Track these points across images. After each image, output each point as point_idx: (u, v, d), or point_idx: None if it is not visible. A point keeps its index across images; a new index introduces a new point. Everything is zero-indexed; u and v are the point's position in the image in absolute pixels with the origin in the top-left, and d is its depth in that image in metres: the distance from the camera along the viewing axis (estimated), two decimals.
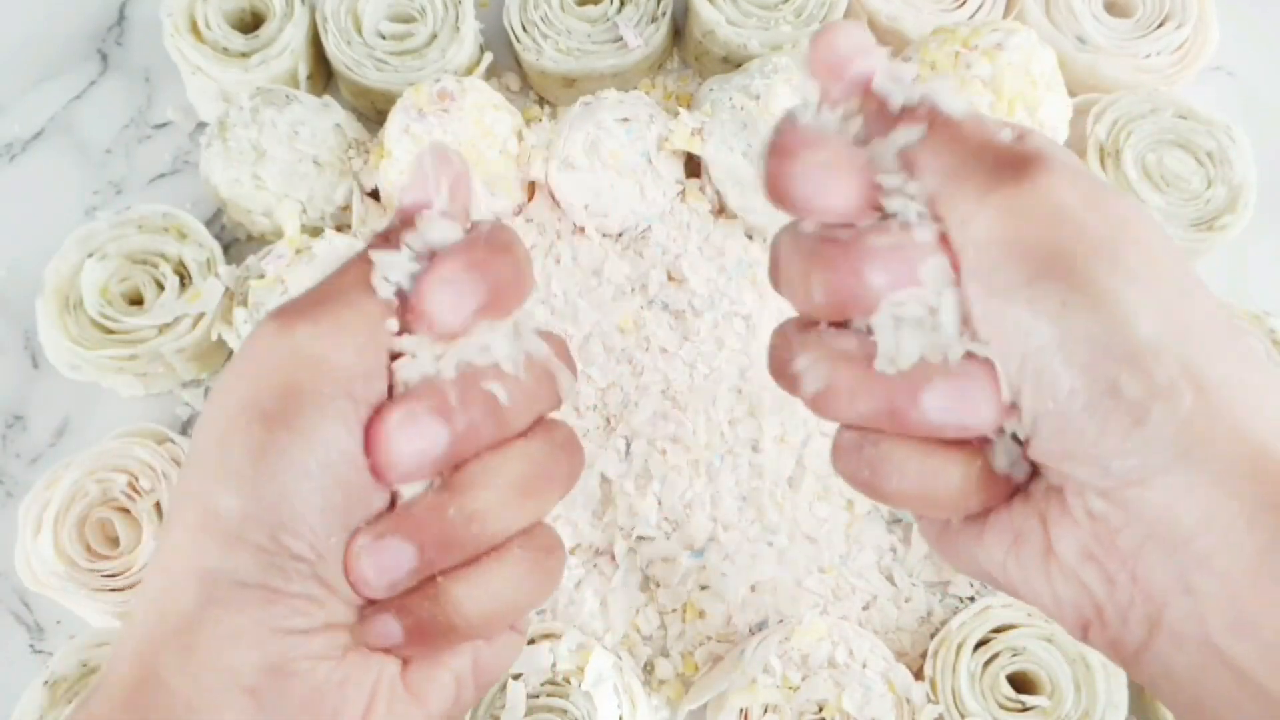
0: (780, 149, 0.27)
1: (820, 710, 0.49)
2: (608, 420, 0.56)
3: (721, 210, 0.61)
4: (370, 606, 0.29)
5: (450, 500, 0.28)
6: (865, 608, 0.53)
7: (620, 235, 0.60)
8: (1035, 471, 0.27)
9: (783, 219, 0.29)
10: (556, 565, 0.30)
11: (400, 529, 0.28)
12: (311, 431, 0.27)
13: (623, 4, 0.63)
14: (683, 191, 0.61)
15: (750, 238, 0.60)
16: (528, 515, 0.29)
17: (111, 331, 0.56)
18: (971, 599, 0.53)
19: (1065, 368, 0.24)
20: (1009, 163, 0.25)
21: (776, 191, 0.27)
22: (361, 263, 0.29)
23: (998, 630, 0.51)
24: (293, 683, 0.27)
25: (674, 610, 0.54)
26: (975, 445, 0.27)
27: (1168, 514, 0.24)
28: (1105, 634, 0.26)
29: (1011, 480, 0.27)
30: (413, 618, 0.28)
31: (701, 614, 0.53)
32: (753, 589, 0.53)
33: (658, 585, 0.54)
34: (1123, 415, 0.24)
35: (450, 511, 0.28)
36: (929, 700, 0.50)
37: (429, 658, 0.30)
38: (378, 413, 0.27)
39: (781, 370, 0.29)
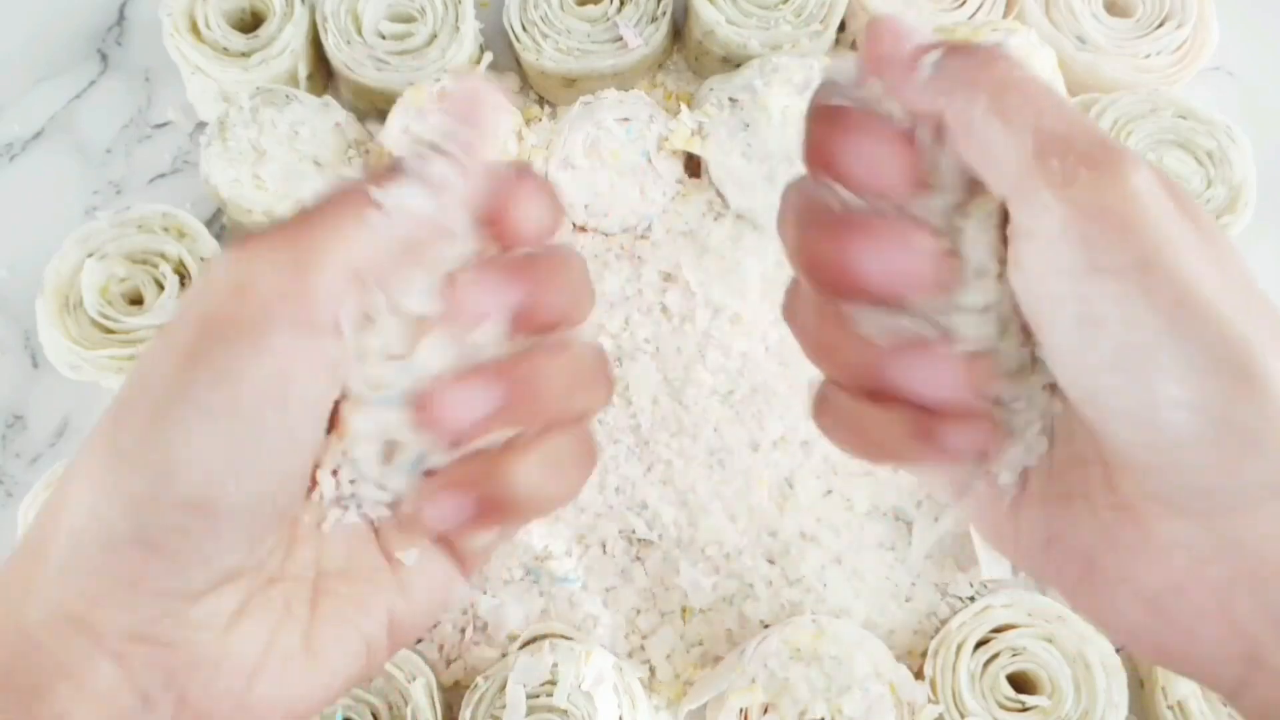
0: (828, 117, 0.26)
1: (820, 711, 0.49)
2: (609, 421, 0.56)
3: (722, 210, 0.61)
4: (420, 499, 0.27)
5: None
6: (865, 608, 0.53)
7: (622, 233, 0.60)
8: (1098, 494, 0.26)
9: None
10: (594, 449, 0.29)
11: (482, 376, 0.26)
12: (234, 367, 0.24)
13: (623, 4, 0.63)
14: (682, 191, 0.61)
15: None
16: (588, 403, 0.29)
17: (111, 331, 0.56)
18: (971, 599, 0.53)
19: (1172, 372, 0.22)
20: (1100, 152, 0.23)
21: (821, 161, 0.26)
22: (352, 193, 0.26)
23: (998, 630, 0.51)
24: (163, 651, 0.25)
25: (674, 610, 0.54)
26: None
27: (1271, 544, 0.22)
28: (1197, 670, 0.25)
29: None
30: (479, 491, 0.26)
31: (702, 614, 0.53)
32: (753, 589, 0.53)
33: (658, 586, 0.54)
34: (1235, 439, 0.22)
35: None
36: (929, 700, 0.50)
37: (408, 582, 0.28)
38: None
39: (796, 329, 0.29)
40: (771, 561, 0.54)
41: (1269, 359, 0.22)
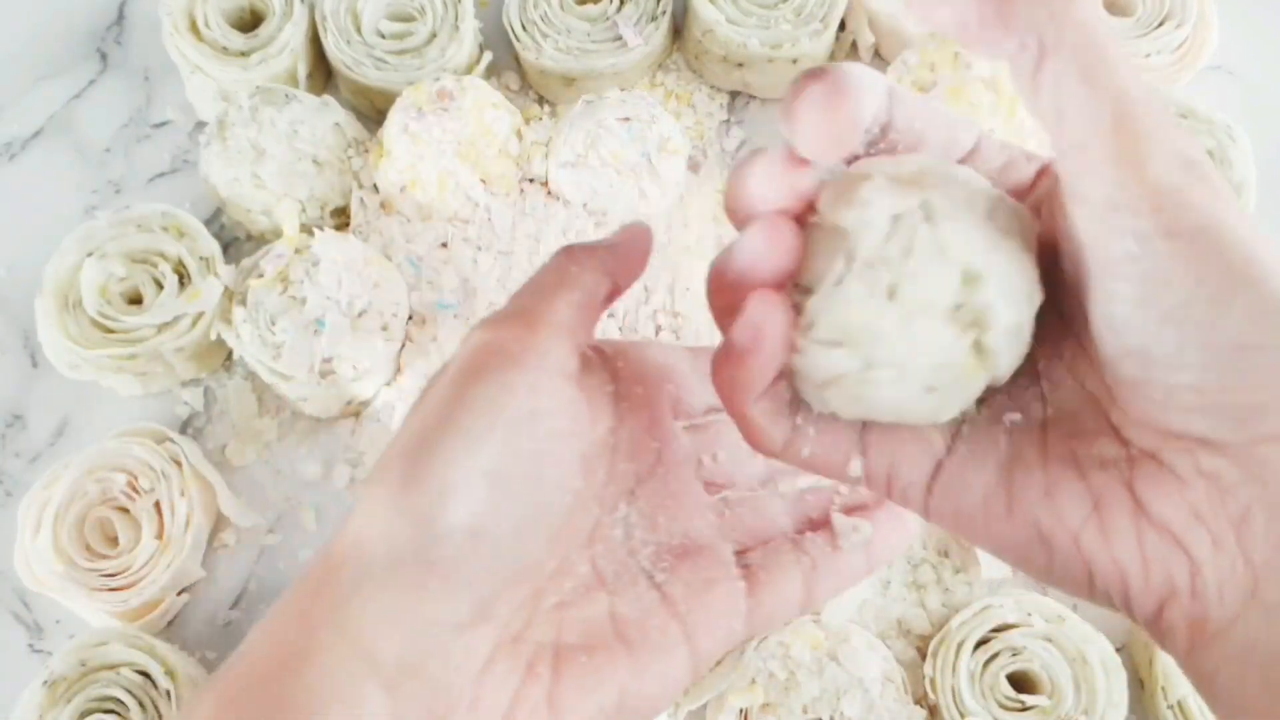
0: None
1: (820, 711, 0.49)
2: None
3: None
4: None
5: None
6: (864, 608, 0.53)
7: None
8: (1101, 438, 0.27)
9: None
10: None
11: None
12: (490, 397, 0.27)
13: (622, 3, 0.63)
14: (682, 192, 0.61)
15: None
16: None
17: (111, 331, 0.56)
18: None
19: (1238, 318, 0.23)
20: (1172, 134, 0.25)
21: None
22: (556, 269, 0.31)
23: (998, 630, 0.51)
24: (428, 690, 0.26)
25: None
26: None
27: None
28: (1193, 605, 0.25)
29: None
30: None
31: None
32: None
33: None
34: (1274, 366, 0.23)
35: None
36: (929, 700, 0.50)
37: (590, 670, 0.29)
38: None
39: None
40: None
41: None
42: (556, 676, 0.29)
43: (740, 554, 0.32)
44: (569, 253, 0.31)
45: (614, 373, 0.33)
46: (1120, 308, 0.25)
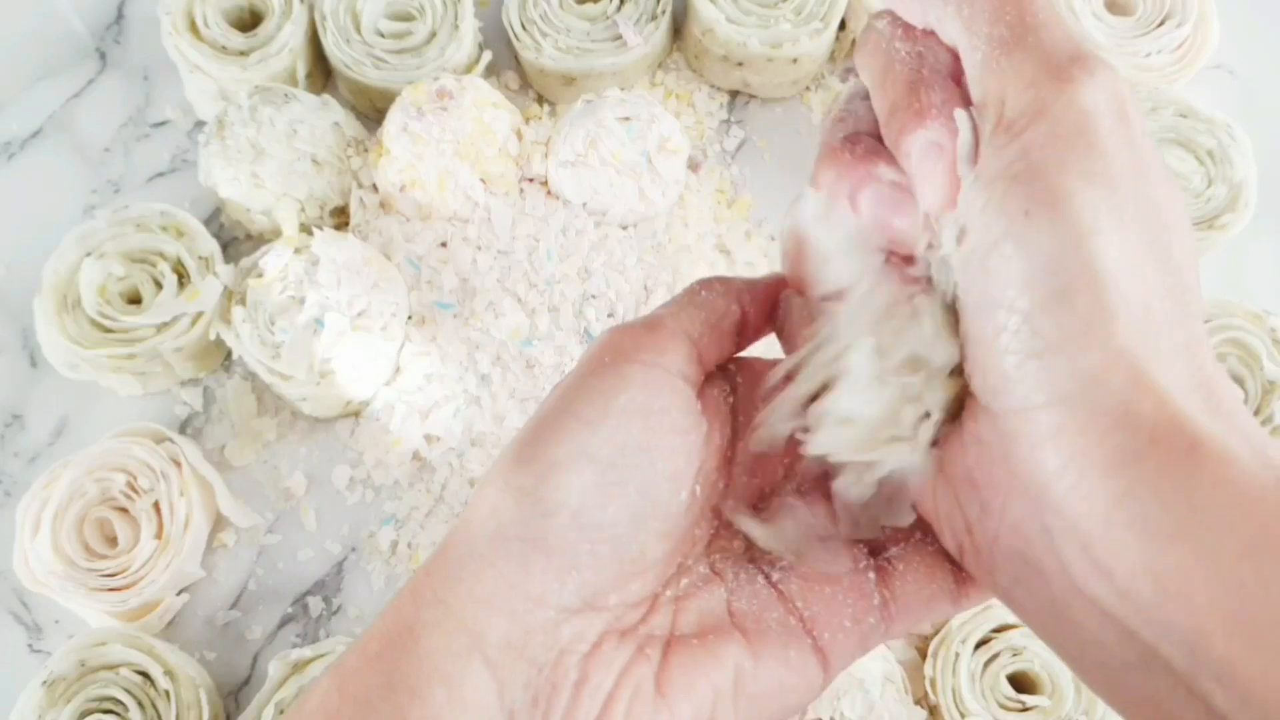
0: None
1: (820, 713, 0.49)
2: None
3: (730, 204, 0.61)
4: None
5: None
6: None
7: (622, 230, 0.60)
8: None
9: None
10: None
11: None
12: (604, 387, 0.28)
13: (622, 2, 0.63)
14: (682, 192, 0.61)
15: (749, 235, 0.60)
16: None
17: (110, 330, 0.56)
18: None
19: (999, 272, 0.24)
20: (1070, 58, 0.24)
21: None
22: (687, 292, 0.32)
23: (998, 630, 0.51)
24: (534, 671, 0.27)
25: None
26: None
27: (1035, 454, 0.24)
28: (979, 561, 0.26)
29: None
30: None
31: None
32: None
33: None
34: (1025, 343, 0.24)
35: None
36: (929, 700, 0.50)
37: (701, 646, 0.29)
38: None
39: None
40: None
41: (1108, 274, 0.23)
42: (666, 657, 0.28)
43: (877, 551, 0.31)
44: (701, 280, 0.32)
45: (733, 386, 0.32)
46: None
